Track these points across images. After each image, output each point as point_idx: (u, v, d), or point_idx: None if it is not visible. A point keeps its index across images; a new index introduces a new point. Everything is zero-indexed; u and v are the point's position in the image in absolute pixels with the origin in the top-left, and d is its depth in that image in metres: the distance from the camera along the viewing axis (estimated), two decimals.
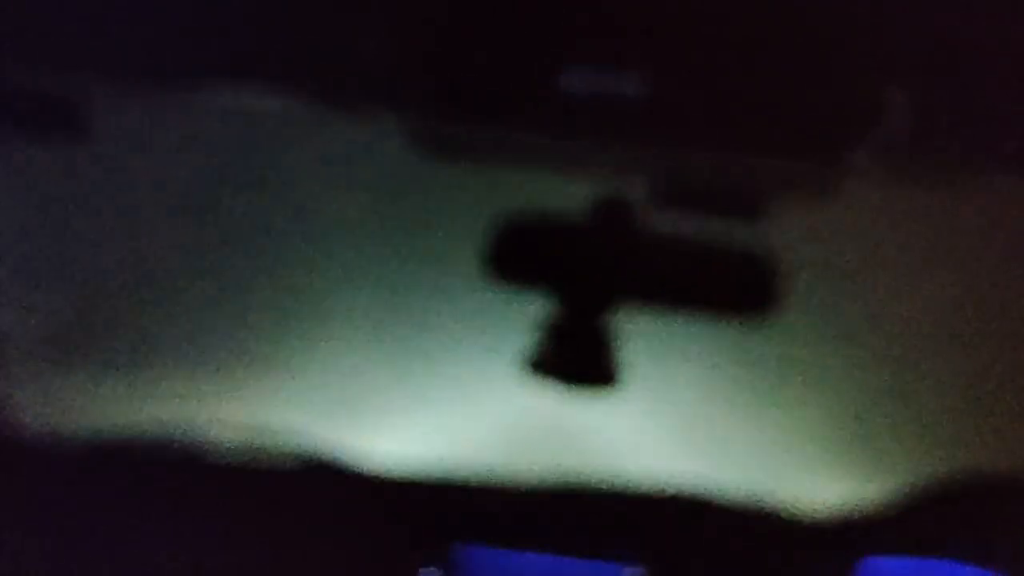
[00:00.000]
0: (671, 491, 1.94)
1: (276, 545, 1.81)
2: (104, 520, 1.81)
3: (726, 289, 1.40)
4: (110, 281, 2.02)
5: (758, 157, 1.36)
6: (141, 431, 2.02)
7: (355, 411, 2.10)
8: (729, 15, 1.21)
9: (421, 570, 1.77)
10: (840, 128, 1.33)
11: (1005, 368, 2.11)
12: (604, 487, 1.98)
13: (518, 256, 1.37)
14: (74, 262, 2.02)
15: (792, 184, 1.49)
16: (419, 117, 1.41)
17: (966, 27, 1.20)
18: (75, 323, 2.06)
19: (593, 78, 1.28)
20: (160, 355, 2.06)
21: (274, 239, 1.97)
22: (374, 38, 1.30)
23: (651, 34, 1.24)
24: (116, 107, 1.51)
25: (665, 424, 1.86)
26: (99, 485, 1.89)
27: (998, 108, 1.30)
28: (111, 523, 1.81)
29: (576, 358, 1.41)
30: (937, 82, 1.27)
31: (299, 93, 1.40)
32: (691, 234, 1.37)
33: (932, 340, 1.96)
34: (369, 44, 1.31)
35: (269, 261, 2.00)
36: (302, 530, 1.83)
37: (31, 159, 1.86)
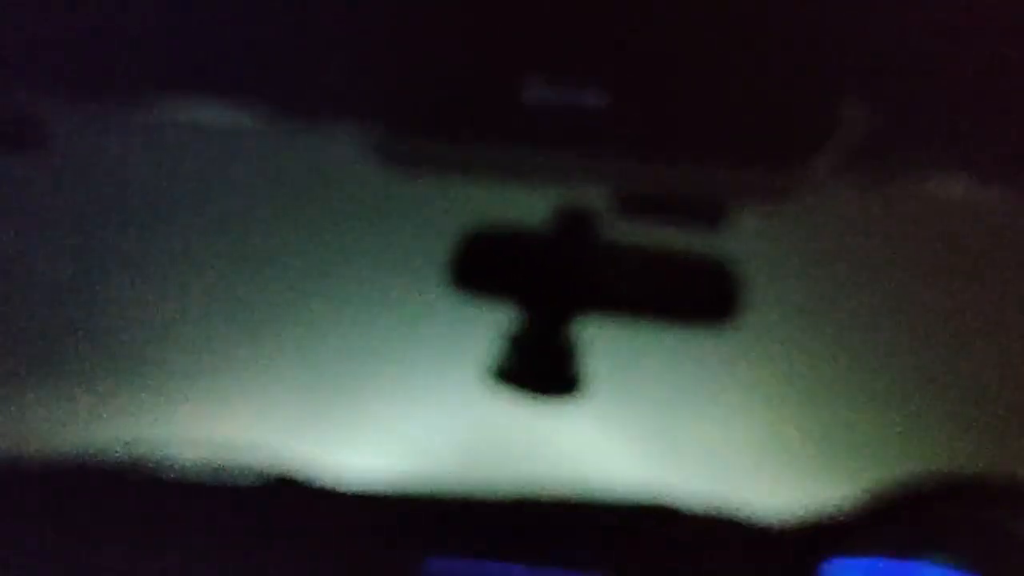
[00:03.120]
0: (635, 498, 1.96)
1: (244, 563, 1.80)
2: (66, 538, 1.79)
3: (687, 297, 1.42)
4: (71, 296, 2.01)
5: (718, 166, 1.38)
6: (103, 448, 2.01)
7: (321, 425, 2.10)
8: (687, 28, 1.22)
9: None
10: (798, 137, 1.35)
11: (967, 370, 2.14)
12: (569, 496, 1.99)
13: (482, 266, 1.39)
14: (35, 276, 2.00)
15: (751, 192, 1.51)
16: (382, 131, 1.42)
17: (922, 38, 1.21)
18: (36, 339, 2.03)
19: (554, 90, 1.28)
20: (122, 371, 2.05)
21: (236, 253, 1.97)
22: (337, 54, 1.30)
23: (611, 47, 1.25)
24: (78, 122, 1.50)
25: (628, 431, 1.88)
26: (61, 503, 1.87)
27: (952, 117, 1.31)
28: (73, 541, 1.80)
29: (540, 367, 1.42)
30: (893, 92, 1.29)
31: (263, 109, 1.41)
32: (652, 243, 1.39)
33: (892, 344, 1.99)
34: (332, 60, 1.31)
35: (232, 275, 1.99)
36: (269, 547, 1.82)
37: None
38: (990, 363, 2.06)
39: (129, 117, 1.58)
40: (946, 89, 1.27)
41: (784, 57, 1.25)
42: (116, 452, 2.00)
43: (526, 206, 1.41)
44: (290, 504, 1.93)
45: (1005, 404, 2.08)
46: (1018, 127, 1.30)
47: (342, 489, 1.98)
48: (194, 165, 1.66)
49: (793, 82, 1.28)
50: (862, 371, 1.88)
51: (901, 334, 1.89)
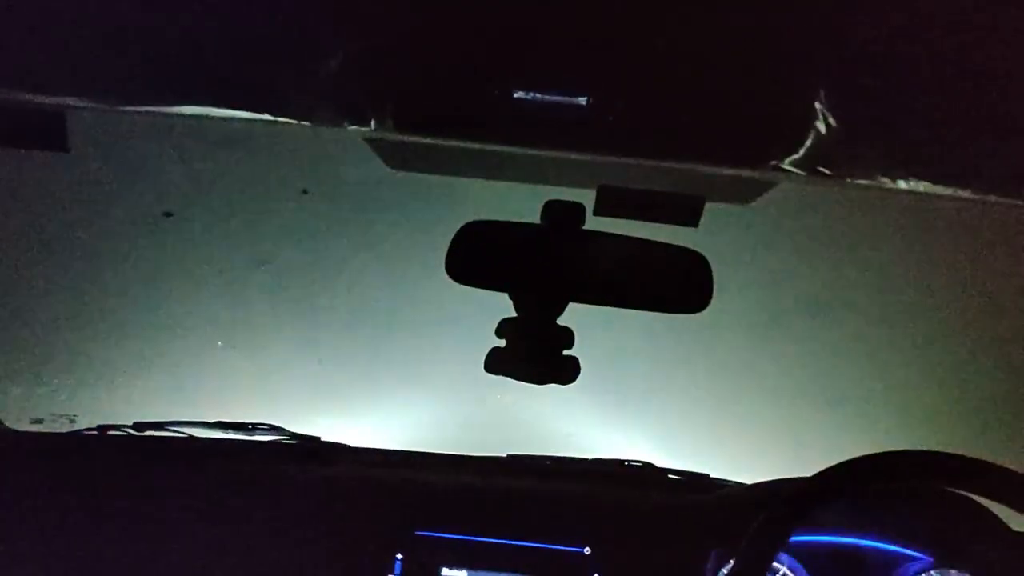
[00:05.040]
0: (614, 474, 1.99)
1: (243, 534, 1.84)
2: (73, 509, 1.83)
3: (667, 286, 1.43)
4: (85, 282, 2.04)
5: (694, 163, 1.41)
6: (114, 423, 2.05)
7: (321, 405, 2.16)
8: (665, 35, 1.25)
9: (385, 557, 1.80)
10: (770, 137, 1.38)
11: (929, 353, 2.20)
12: (556, 473, 2.03)
13: (475, 257, 1.39)
14: (52, 265, 2.03)
15: (726, 188, 1.55)
16: (379, 129, 1.43)
17: (890, 39, 1.23)
18: (51, 322, 2.08)
19: (542, 92, 1.30)
20: (131, 350, 2.10)
21: (244, 243, 2.00)
22: (338, 57, 1.33)
23: (594, 52, 1.28)
24: (92, 122, 1.51)
25: (609, 411, 1.94)
26: (72, 475, 1.91)
27: (918, 118, 1.34)
28: (80, 512, 1.83)
29: (528, 352, 1.42)
30: (861, 93, 1.32)
31: (267, 109, 1.40)
32: (634, 235, 1.41)
33: (858, 329, 2.05)
34: (333, 62, 1.33)
35: (240, 263, 2.03)
36: (268, 520, 1.86)
37: (9, 168, 1.86)
38: (952, 349, 2.12)
39: (137, 116, 1.55)
40: (912, 89, 1.30)
41: (757, 60, 1.28)
42: (132, 425, 2.05)
43: (515, 200, 1.43)
44: (288, 478, 1.97)
45: (965, 387, 2.14)
46: (983, 127, 1.33)
47: (341, 466, 2.03)
48: (205, 160, 1.67)
49: (765, 85, 1.31)
50: (827, 354, 1.94)
51: (866, 320, 1.96)
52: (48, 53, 1.33)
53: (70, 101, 1.44)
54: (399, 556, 1.80)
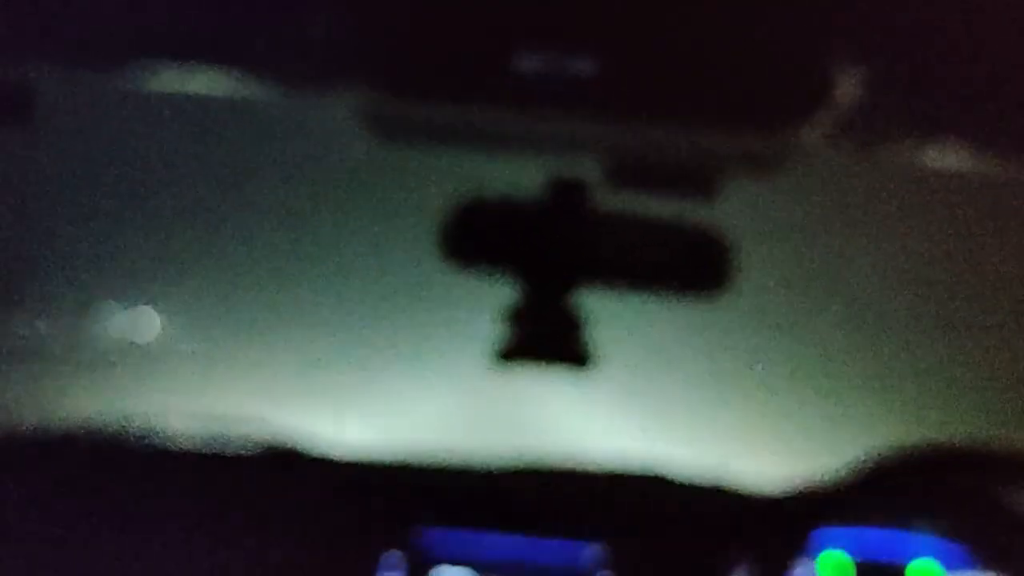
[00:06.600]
0: (629, 468, 1.96)
1: (238, 531, 1.80)
2: (63, 509, 1.80)
3: (681, 266, 1.41)
4: (64, 269, 2.00)
5: (709, 134, 1.37)
6: (102, 421, 2.01)
7: (317, 396, 2.10)
8: None
9: (384, 553, 1.76)
10: (789, 105, 1.33)
11: (957, 340, 2.15)
12: (565, 467, 1.99)
13: (476, 238, 1.37)
14: (27, 246, 1.99)
15: (743, 160, 1.51)
16: (374, 99, 1.41)
17: (914, 6, 1.17)
18: (35, 312, 2.04)
19: (545, 58, 1.26)
20: (117, 344, 2.05)
21: (230, 225, 1.96)
22: (328, 22, 1.28)
23: (601, 15, 1.21)
24: (68, 91, 1.48)
25: (622, 402, 1.88)
26: (59, 474, 1.87)
27: (944, 85, 1.30)
28: (70, 513, 1.80)
29: (534, 339, 1.41)
30: (884, 59, 1.28)
31: (253, 78, 1.40)
32: (645, 212, 1.38)
33: (882, 316, 1.99)
34: (323, 28, 1.29)
35: (226, 247, 1.98)
36: (264, 515, 1.82)
37: None
38: (979, 334, 2.07)
39: (118, 86, 1.55)
40: (938, 56, 1.25)
41: (775, 24, 1.22)
42: (115, 424, 2.00)
43: (517, 176, 1.40)
44: (284, 472, 1.93)
45: (993, 375, 2.09)
46: (1009, 97, 1.28)
47: (337, 458, 1.98)
48: (183, 134, 1.64)
49: (784, 49, 1.27)
50: (855, 341, 1.88)
51: (893, 303, 1.89)
52: (8, 17, 1.26)
53: (46, 70, 1.43)
54: (400, 552, 1.76)
